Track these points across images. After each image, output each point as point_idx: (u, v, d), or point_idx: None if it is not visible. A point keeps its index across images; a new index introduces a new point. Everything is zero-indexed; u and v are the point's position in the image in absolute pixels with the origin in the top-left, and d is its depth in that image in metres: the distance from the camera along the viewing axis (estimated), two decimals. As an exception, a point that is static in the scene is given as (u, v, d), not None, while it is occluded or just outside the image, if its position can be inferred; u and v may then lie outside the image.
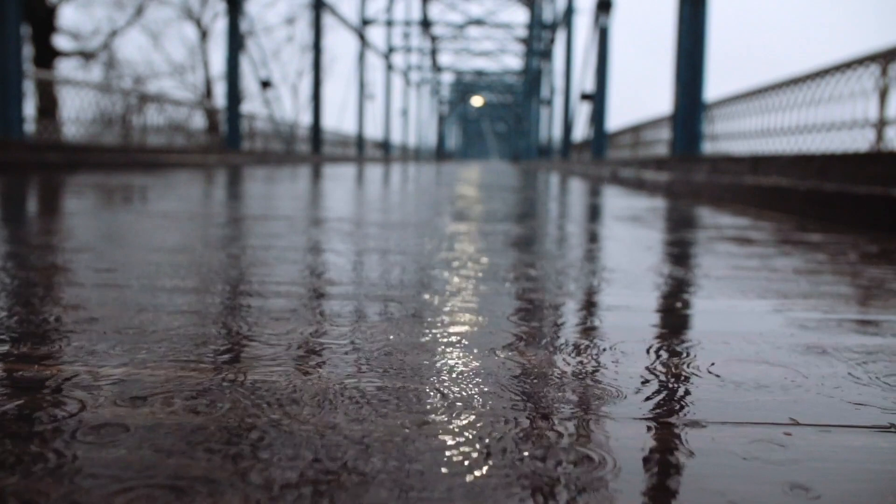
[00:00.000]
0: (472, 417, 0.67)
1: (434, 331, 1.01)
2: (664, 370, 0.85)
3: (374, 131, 26.40)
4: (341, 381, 0.77)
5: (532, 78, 29.32)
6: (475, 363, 0.86)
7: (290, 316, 1.08)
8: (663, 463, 0.59)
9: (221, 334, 0.96)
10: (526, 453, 0.59)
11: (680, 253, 2.09)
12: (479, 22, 31.99)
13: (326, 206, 3.65)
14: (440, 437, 0.62)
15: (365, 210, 3.37)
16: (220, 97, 20.50)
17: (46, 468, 0.54)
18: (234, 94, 12.14)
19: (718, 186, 4.71)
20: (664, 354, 0.92)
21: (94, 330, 0.96)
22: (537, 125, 27.13)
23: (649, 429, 0.66)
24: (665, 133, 7.59)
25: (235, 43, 12.06)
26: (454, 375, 0.81)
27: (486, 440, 0.62)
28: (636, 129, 9.74)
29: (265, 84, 13.54)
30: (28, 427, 0.62)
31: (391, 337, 0.97)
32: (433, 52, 39.81)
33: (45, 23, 16.16)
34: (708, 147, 6.25)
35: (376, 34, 64.60)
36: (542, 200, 4.81)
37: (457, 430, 0.64)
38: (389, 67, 28.14)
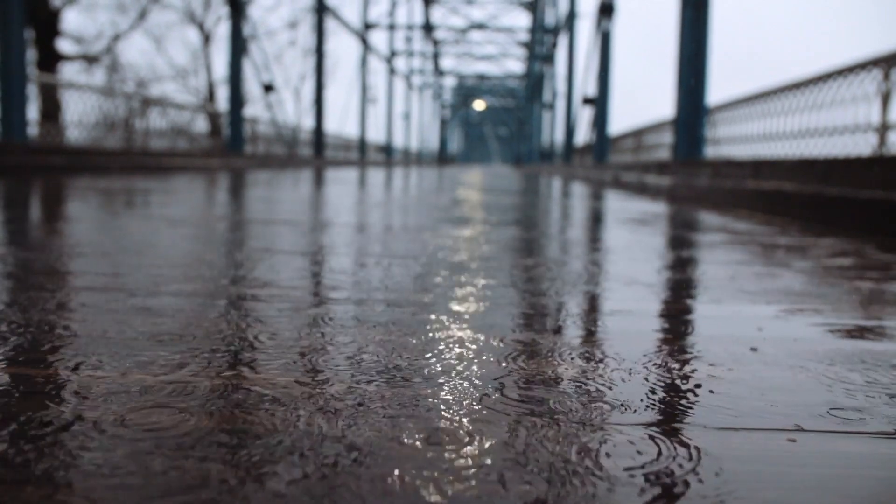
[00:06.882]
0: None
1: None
2: (667, 375, 0.85)
3: (376, 135, 26.48)
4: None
5: (534, 82, 29.35)
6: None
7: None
8: (666, 470, 0.59)
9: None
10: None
11: (683, 257, 2.09)
12: (481, 26, 32.04)
13: (332, 209, 3.65)
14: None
15: (369, 214, 3.37)
16: (222, 101, 20.57)
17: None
18: (237, 98, 12.16)
19: (721, 191, 4.71)
20: (667, 359, 0.92)
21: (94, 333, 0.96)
22: (539, 129, 27.15)
23: (652, 434, 0.66)
24: (667, 137, 7.59)
25: (238, 47, 12.09)
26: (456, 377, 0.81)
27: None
28: (638, 134, 9.75)
29: (268, 88, 13.57)
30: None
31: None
32: (435, 56, 39.89)
33: (48, 26, 16.23)
34: (710, 151, 6.25)
35: (379, 38, 64.83)
36: (544, 204, 4.81)
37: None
38: (392, 71, 28.19)
